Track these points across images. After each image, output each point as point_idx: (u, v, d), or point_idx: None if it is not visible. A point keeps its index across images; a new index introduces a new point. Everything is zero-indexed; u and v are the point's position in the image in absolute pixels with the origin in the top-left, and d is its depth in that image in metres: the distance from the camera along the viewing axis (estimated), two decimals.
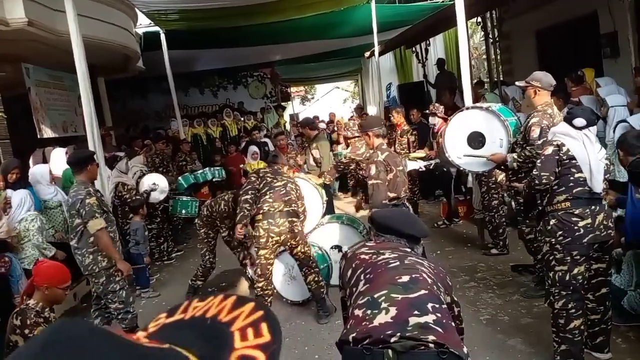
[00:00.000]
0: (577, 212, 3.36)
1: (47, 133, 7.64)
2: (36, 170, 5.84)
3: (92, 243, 4.30)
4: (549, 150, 3.45)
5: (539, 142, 4.16)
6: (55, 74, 8.11)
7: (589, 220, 3.35)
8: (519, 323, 4.37)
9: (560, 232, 3.39)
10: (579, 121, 3.38)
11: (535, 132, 4.31)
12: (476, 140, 4.43)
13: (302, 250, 4.91)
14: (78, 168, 4.39)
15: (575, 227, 3.35)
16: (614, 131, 5.63)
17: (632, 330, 3.95)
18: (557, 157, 3.40)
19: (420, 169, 7.47)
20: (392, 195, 4.48)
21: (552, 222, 3.44)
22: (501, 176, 5.68)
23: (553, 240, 3.43)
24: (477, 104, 5.26)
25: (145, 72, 10.92)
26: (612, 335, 3.68)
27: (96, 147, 5.60)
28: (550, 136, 3.60)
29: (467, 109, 4.74)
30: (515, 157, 4.35)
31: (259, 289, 4.80)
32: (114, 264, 4.38)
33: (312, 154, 7.00)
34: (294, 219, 4.82)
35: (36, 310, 3.21)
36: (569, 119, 3.44)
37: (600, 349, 3.58)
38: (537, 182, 3.44)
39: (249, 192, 4.82)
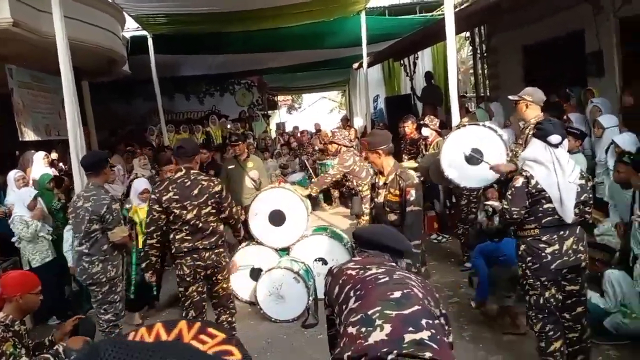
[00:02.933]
0: (544, 238, 3.36)
1: (30, 136, 7.49)
2: (10, 175, 5.82)
3: (104, 251, 4.20)
4: (519, 182, 3.37)
5: None
6: (39, 75, 7.98)
7: (556, 247, 3.34)
8: (502, 340, 4.35)
9: (529, 259, 3.41)
10: (555, 138, 3.29)
11: None
12: (474, 157, 4.40)
13: (224, 286, 4.33)
14: (94, 171, 4.27)
15: (543, 254, 3.35)
16: (606, 152, 5.67)
17: (612, 349, 3.95)
18: (526, 189, 3.35)
19: None
20: None
21: (522, 247, 3.46)
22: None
23: (524, 265, 3.46)
24: (474, 122, 5.27)
25: (130, 75, 10.81)
26: (592, 353, 3.67)
27: (79, 151, 5.50)
28: (520, 162, 3.54)
29: (465, 126, 4.73)
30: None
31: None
32: (119, 273, 4.33)
33: (248, 175, 6.52)
34: (220, 250, 4.22)
35: (5, 324, 3.05)
36: (542, 136, 3.34)
37: None
38: (507, 216, 3.40)
39: (154, 234, 4.11)
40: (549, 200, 3.32)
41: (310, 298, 5.08)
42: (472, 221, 6.07)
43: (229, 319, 4.39)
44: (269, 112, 18.50)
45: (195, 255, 4.10)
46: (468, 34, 11.32)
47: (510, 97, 4.72)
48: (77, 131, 5.52)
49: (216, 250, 4.18)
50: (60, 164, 8.49)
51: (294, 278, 5.12)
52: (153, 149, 10.32)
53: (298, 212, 5.52)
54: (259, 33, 10.63)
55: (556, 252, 3.33)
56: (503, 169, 4.17)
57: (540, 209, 3.34)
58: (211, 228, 4.13)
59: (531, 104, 4.45)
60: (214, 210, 4.15)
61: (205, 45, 11.50)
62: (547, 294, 3.38)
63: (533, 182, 3.33)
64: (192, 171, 4.16)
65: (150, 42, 9.95)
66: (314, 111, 29.75)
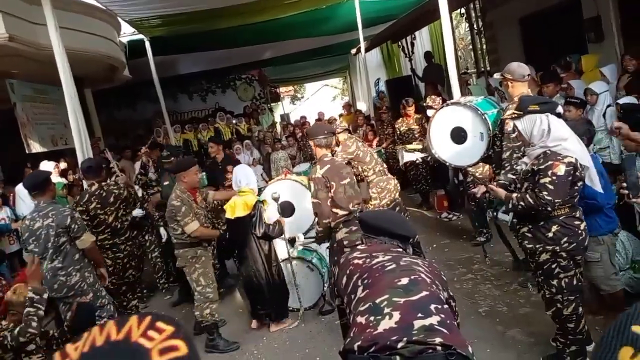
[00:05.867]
0: (577, 215, 3.15)
1: (36, 147, 7.58)
2: (20, 187, 5.91)
3: (78, 260, 4.25)
4: (561, 170, 2.98)
5: (514, 135, 3.88)
6: (41, 88, 8.05)
7: (584, 223, 3.18)
8: (518, 313, 4.37)
9: (565, 239, 3.11)
10: (560, 108, 3.21)
11: (508, 126, 4.05)
12: (459, 135, 4.39)
13: (134, 273, 5.46)
14: (40, 191, 4.26)
15: (579, 231, 3.13)
16: (604, 116, 5.66)
17: (628, 307, 3.94)
18: (570, 177, 3.01)
19: (417, 161, 7.48)
20: (340, 212, 4.16)
21: (555, 228, 3.12)
22: (486, 167, 5.67)
23: (557, 248, 3.13)
24: (456, 100, 5.21)
25: (132, 80, 10.86)
26: (609, 315, 3.70)
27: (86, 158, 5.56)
28: (554, 143, 3.04)
29: (447, 105, 4.74)
30: (515, 196, 3.26)
31: None
32: (96, 279, 4.39)
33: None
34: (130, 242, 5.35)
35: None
36: (551, 109, 3.11)
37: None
38: (549, 208, 3.03)
39: None
40: (582, 178, 3.11)
41: (325, 285, 5.14)
42: (479, 198, 6.07)
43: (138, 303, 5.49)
44: (272, 104, 18.44)
45: (114, 249, 5.14)
46: (464, 10, 11.23)
47: (495, 76, 4.59)
48: (83, 140, 5.59)
49: (129, 243, 5.29)
50: (70, 172, 8.59)
51: (308, 267, 5.17)
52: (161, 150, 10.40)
53: (306, 201, 5.55)
54: (253, 26, 10.61)
55: (586, 227, 3.16)
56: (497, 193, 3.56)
57: (575, 188, 3.09)
58: (125, 226, 5.26)
59: (513, 82, 4.19)
60: (124, 212, 5.28)
61: (202, 42, 11.49)
62: (579, 273, 3.23)
63: (579, 164, 3.05)
64: (102, 183, 5.17)
65: (147, 44, 9.97)
66: (317, 100, 29.70)
